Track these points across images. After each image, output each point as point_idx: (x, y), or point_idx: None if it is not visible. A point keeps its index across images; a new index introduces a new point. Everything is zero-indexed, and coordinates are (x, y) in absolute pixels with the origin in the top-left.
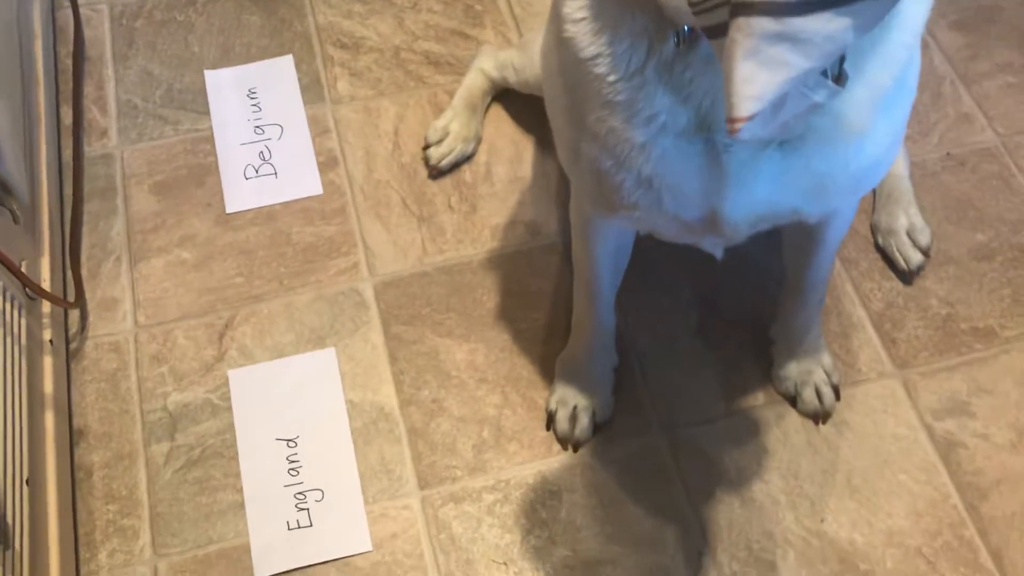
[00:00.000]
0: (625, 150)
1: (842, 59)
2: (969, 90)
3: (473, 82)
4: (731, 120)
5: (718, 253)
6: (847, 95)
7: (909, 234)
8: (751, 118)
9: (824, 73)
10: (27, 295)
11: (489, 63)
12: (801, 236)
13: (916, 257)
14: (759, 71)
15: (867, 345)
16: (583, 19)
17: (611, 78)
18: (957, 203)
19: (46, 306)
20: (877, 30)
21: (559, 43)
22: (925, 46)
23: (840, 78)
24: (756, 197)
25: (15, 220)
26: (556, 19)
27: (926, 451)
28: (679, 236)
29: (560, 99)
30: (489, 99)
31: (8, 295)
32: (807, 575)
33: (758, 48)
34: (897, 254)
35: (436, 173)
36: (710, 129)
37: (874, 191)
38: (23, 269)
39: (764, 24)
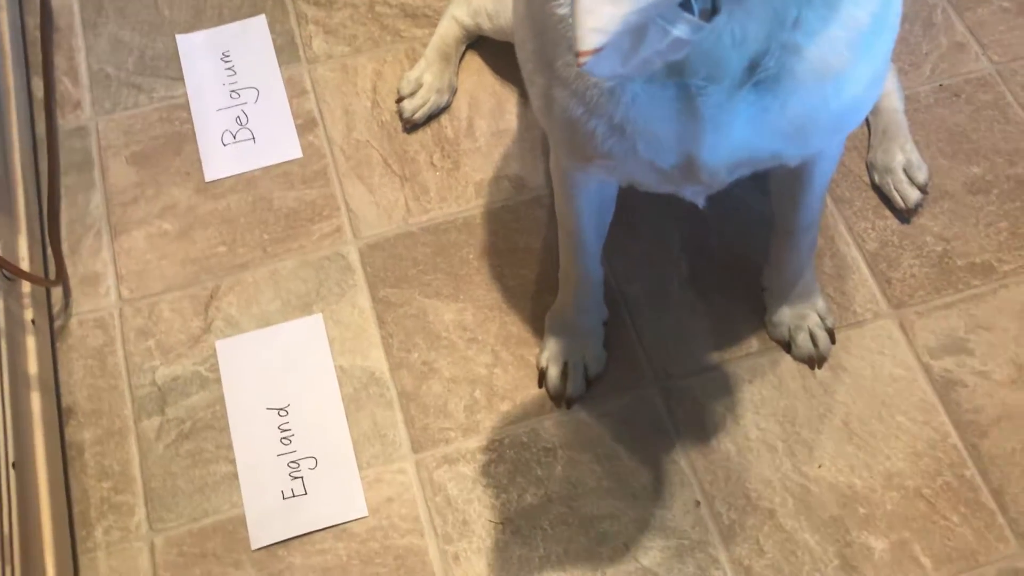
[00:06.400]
0: (595, 96)
1: None
2: (962, 17)
3: (446, 31)
4: (577, 53)
5: (700, 201)
6: (822, 35)
7: (906, 171)
8: (597, 51)
9: (688, 6)
10: (5, 276)
11: (462, 10)
12: (788, 179)
13: (914, 195)
14: (602, 3)
15: (862, 286)
16: None
17: None
18: (951, 136)
19: (26, 286)
20: None
21: None
22: None
23: (711, 12)
24: (733, 141)
25: None
26: None
27: (924, 391)
28: (659, 185)
29: (528, 44)
30: (463, 48)
31: None
32: (806, 521)
33: None
34: (894, 192)
35: (411, 126)
36: (682, 73)
37: (869, 128)
38: None
39: None
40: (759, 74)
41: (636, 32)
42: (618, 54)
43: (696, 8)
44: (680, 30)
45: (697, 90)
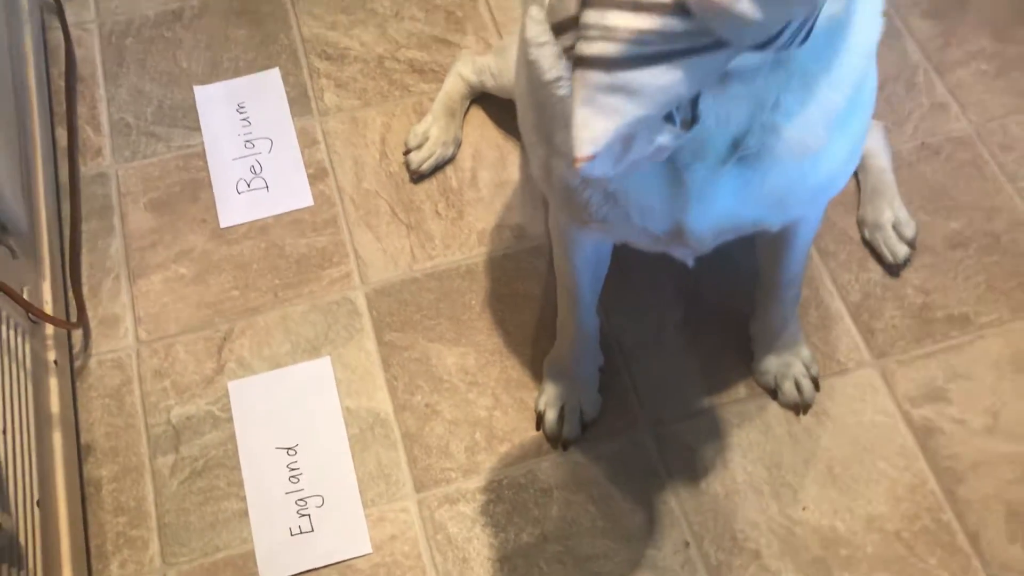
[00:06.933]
0: None
1: (694, 103)
2: (943, 79)
3: (452, 87)
4: (573, 159)
5: (689, 261)
6: (800, 117)
7: (895, 228)
8: (591, 158)
9: (671, 117)
10: (30, 319)
11: (467, 68)
12: (772, 239)
13: (902, 250)
14: (594, 117)
15: (845, 336)
16: (545, 43)
17: None
18: (932, 192)
19: (49, 328)
20: (829, 53)
21: (525, 64)
22: (898, 35)
23: (691, 122)
24: (718, 211)
25: (13, 255)
26: (522, 42)
27: (904, 438)
28: (651, 246)
29: (529, 116)
30: (468, 103)
31: (11, 322)
32: (790, 562)
33: (593, 97)
34: (884, 248)
35: (417, 177)
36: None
37: (858, 184)
38: (25, 295)
39: (597, 77)
40: (741, 152)
41: (625, 140)
42: (610, 158)
43: (677, 120)
44: (664, 138)
45: (684, 166)
